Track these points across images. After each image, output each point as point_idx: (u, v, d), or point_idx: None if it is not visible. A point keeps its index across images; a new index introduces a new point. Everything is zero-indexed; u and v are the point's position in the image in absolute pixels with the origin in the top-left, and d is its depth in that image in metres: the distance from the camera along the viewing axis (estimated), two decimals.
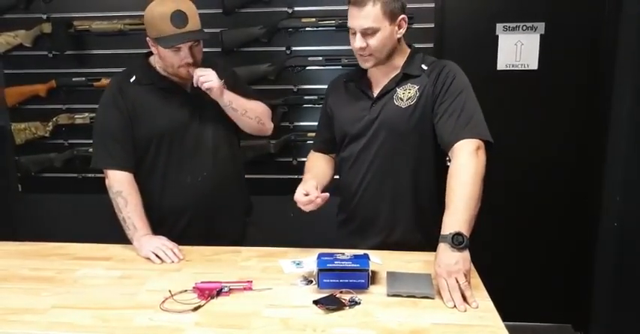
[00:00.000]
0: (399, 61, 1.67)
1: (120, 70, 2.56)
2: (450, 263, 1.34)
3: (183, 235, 1.81)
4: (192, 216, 1.85)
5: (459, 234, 1.36)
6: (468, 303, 1.30)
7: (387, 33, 1.57)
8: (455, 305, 1.29)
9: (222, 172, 1.88)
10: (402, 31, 1.62)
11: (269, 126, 1.97)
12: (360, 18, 1.55)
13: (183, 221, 1.85)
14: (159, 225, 1.80)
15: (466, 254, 1.36)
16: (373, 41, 1.57)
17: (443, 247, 1.37)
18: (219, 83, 1.74)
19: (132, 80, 1.80)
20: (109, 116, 1.79)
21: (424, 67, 1.65)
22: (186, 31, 1.67)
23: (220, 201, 1.88)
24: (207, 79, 1.72)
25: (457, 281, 1.31)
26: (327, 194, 1.60)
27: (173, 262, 1.62)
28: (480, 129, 1.55)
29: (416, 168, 1.66)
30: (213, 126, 1.84)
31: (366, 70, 1.70)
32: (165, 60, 1.74)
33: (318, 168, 1.81)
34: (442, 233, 1.40)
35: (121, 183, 1.76)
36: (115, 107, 1.77)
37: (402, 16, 1.60)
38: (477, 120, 1.56)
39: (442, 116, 1.58)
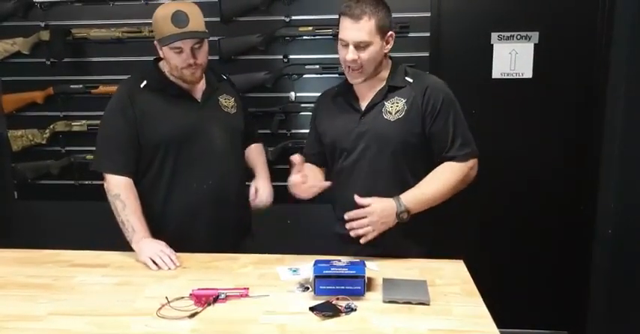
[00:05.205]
0: (384, 73, 1.70)
1: (117, 77, 2.58)
2: (384, 215, 1.56)
3: (184, 241, 1.80)
4: (194, 223, 1.85)
5: (408, 211, 1.58)
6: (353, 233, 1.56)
7: (377, 47, 1.61)
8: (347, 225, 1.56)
9: (228, 181, 1.88)
10: (389, 46, 1.66)
11: None
12: (355, 30, 1.57)
13: (185, 227, 1.84)
14: (160, 230, 1.80)
15: (394, 224, 1.58)
16: (365, 55, 1.59)
17: (390, 205, 1.57)
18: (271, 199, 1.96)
19: (142, 85, 1.81)
20: (113, 121, 1.80)
21: (408, 79, 1.69)
22: (186, 30, 1.68)
23: (223, 210, 1.87)
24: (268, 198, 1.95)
25: (370, 226, 1.54)
26: (328, 183, 1.67)
27: (170, 269, 1.63)
28: (469, 149, 1.68)
29: (409, 177, 1.68)
30: (221, 135, 1.85)
31: (351, 85, 1.72)
32: (169, 62, 1.76)
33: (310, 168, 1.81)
34: (401, 197, 1.59)
35: (118, 187, 1.77)
36: (121, 112, 1.79)
37: (391, 32, 1.64)
38: (466, 139, 1.68)
39: (436, 137, 1.66)
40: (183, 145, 1.80)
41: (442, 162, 1.67)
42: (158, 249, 1.68)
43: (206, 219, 1.85)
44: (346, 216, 1.57)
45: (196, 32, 1.71)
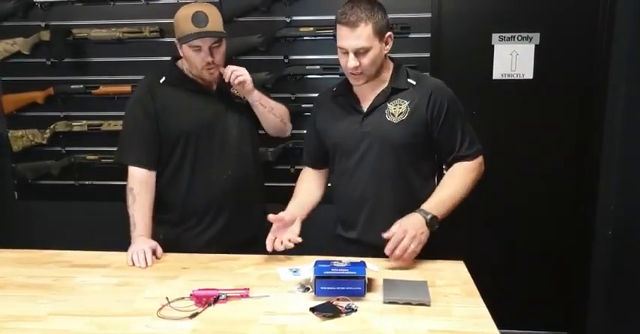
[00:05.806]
0: (385, 75, 1.70)
1: (118, 77, 2.60)
2: (417, 227, 1.55)
3: (205, 231, 1.89)
4: (215, 214, 1.91)
5: (436, 217, 1.58)
6: (402, 262, 1.54)
7: (377, 51, 1.60)
8: (392, 257, 1.53)
9: (245, 171, 1.94)
10: (389, 47, 1.66)
11: (289, 127, 2.08)
12: (353, 38, 1.57)
13: (207, 218, 1.91)
14: (182, 222, 1.89)
15: (428, 234, 1.57)
16: (365, 60, 1.59)
17: (417, 216, 1.57)
18: (250, 78, 1.83)
19: (162, 80, 1.88)
20: (134, 114, 1.87)
21: (411, 81, 1.69)
22: (205, 30, 1.74)
23: (242, 199, 1.93)
24: (240, 73, 1.81)
25: (412, 244, 1.52)
26: (298, 240, 1.64)
27: (140, 266, 1.64)
28: (477, 146, 1.71)
29: (413, 177, 1.70)
30: (237, 126, 1.92)
31: (351, 86, 1.72)
32: (188, 60, 1.81)
33: (304, 193, 1.83)
34: (423, 207, 1.60)
35: (134, 181, 1.84)
36: (141, 106, 1.85)
37: (389, 33, 1.64)
38: (472, 137, 1.70)
39: (444, 140, 1.67)
40: (202, 138, 1.86)
41: (453, 163, 1.70)
42: (139, 247, 1.70)
43: (227, 210, 1.91)
44: (387, 251, 1.54)
45: (215, 32, 1.77)
